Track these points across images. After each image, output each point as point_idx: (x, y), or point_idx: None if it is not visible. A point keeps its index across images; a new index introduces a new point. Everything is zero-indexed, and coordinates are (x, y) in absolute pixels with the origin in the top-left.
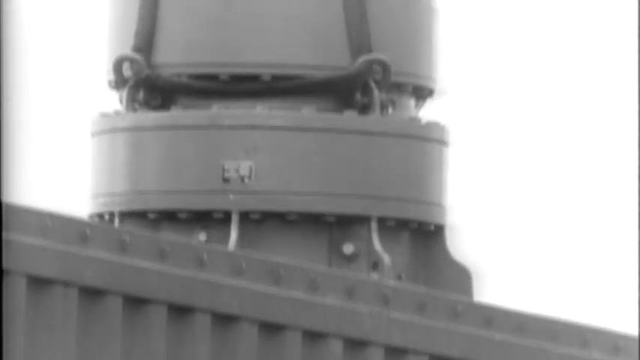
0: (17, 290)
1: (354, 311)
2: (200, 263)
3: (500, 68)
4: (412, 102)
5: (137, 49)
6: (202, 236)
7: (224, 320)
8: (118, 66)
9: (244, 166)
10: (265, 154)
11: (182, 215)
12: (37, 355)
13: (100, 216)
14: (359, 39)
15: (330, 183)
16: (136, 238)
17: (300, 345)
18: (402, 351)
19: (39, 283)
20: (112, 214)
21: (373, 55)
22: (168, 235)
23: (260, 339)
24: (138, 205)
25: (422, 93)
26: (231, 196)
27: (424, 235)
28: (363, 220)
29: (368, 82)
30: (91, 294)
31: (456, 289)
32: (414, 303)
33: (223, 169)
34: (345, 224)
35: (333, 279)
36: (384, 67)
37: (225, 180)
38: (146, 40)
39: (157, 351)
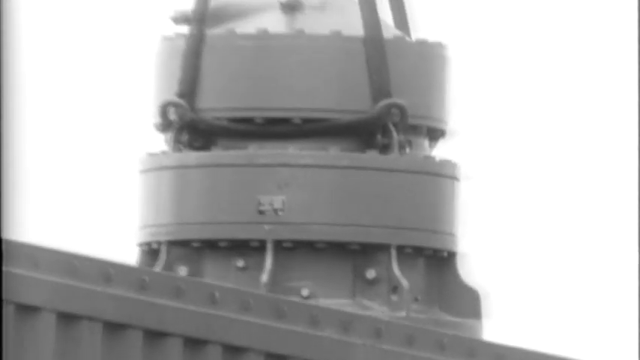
0: (48, 325)
1: (349, 343)
2: (212, 300)
3: (504, 111)
4: (426, 142)
5: (181, 95)
6: (240, 263)
7: (233, 352)
8: (163, 110)
9: (277, 200)
10: (296, 189)
11: (222, 244)
12: None
13: (148, 244)
14: (379, 85)
15: (354, 215)
16: (154, 276)
17: None
18: None
19: (67, 319)
20: (159, 243)
21: (392, 100)
22: (183, 275)
23: None
24: (182, 235)
25: (435, 134)
26: (266, 227)
27: (438, 261)
28: (383, 247)
29: (387, 125)
30: (114, 328)
31: (466, 310)
32: (404, 336)
33: (259, 203)
34: (367, 252)
35: (331, 314)
36: (402, 110)
37: (261, 212)
38: (189, 87)
39: None
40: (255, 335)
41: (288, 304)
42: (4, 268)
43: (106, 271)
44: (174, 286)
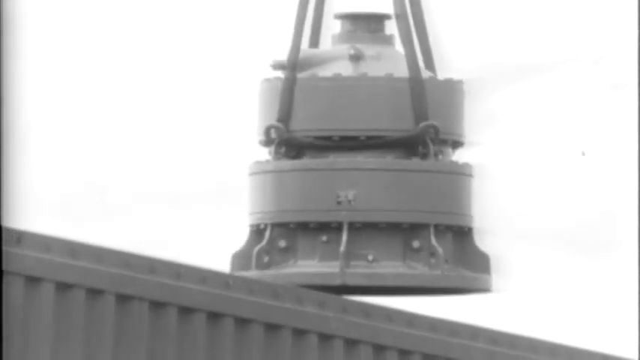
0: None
1: (324, 316)
2: (227, 285)
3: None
4: (451, 151)
5: (279, 120)
6: (324, 238)
7: (242, 323)
8: (267, 131)
9: (350, 194)
10: (363, 186)
11: (311, 225)
12: None
13: (257, 226)
14: (419, 112)
15: (403, 203)
16: (187, 269)
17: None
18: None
19: (187, 313)
20: (265, 225)
21: (429, 122)
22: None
23: (266, 338)
24: (282, 219)
25: (457, 145)
26: (342, 213)
27: (461, 234)
28: (424, 226)
29: (426, 140)
30: (156, 307)
31: (480, 268)
32: (362, 312)
33: (337, 196)
34: (413, 229)
35: (310, 294)
36: (436, 129)
37: (338, 202)
38: (285, 114)
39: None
40: (257, 311)
41: (280, 287)
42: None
43: (151, 265)
44: (200, 275)
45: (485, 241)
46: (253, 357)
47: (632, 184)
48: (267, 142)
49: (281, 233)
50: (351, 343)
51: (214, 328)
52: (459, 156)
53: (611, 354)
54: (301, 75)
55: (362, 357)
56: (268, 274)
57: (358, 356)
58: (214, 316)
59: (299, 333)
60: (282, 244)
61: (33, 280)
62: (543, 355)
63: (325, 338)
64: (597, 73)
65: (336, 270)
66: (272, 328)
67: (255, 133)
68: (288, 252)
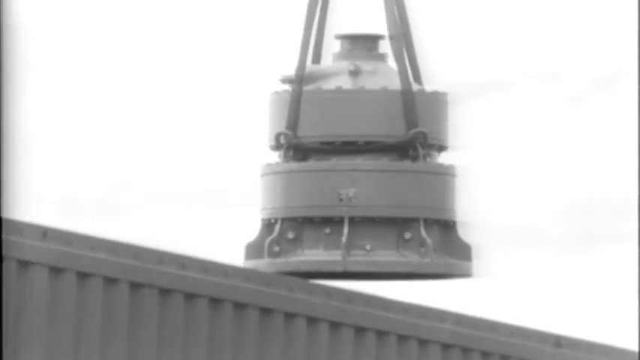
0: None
1: (311, 302)
2: (226, 274)
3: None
4: (437, 154)
5: (288, 127)
6: (327, 230)
7: (240, 307)
8: (277, 137)
9: (350, 192)
10: (362, 185)
11: (316, 219)
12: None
13: (268, 220)
14: (410, 120)
15: (397, 200)
16: (191, 261)
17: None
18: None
19: (191, 298)
20: (275, 219)
21: (419, 129)
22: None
23: (260, 321)
24: (290, 214)
25: (442, 149)
26: (344, 209)
27: (447, 227)
28: (415, 220)
29: (416, 144)
30: (166, 293)
31: (463, 256)
32: (344, 297)
33: (339, 194)
34: (405, 222)
35: (299, 283)
36: (425, 136)
37: (340, 200)
38: (293, 122)
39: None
40: (253, 296)
41: (273, 276)
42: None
43: (160, 256)
44: (203, 266)
45: (467, 232)
46: (249, 337)
47: (591, 185)
48: (277, 146)
49: (290, 226)
50: (334, 326)
51: (215, 312)
52: (444, 158)
53: (566, 334)
54: (307, 88)
55: (344, 338)
56: (279, 262)
57: (341, 337)
58: (215, 302)
59: (289, 316)
60: (291, 235)
61: (56, 271)
62: (502, 335)
63: (312, 321)
64: (555, 88)
65: (339, 258)
66: (265, 312)
67: (266, 139)
68: (296, 242)
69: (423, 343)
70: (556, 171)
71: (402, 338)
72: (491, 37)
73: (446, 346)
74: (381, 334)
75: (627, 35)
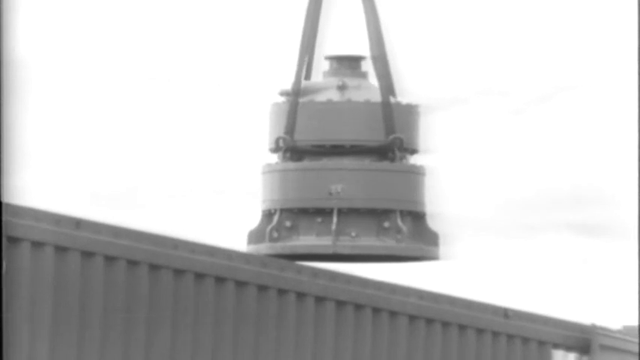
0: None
1: (300, 280)
2: (230, 258)
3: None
4: (409, 156)
5: (286, 132)
6: (319, 219)
7: (240, 285)
8: (276, 141)
9: (339, 187)
10: (348, 181)
11: (310, 210)
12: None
13: (268, 211)
14: (389, 127)
15: (377, 194)
16: (189, 244)
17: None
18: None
19: (200, 278)
20: (274, 210)
21: (396, 135)
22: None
23: (257, 296)
24: (287, 205)
25: (414, 152)
26: (333, 201)
27: (418, 217)
28: (392, 211)
29: (393, 148)
30: (181, 274)
31: (431, 242)
32: (328, 275)
33: (329, 189)
34: (384, 213)
35: (289, 265)
36: (401, 141)
37: (330, 194)
38: (290, 128)
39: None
40: (252, 276)
41: (268, 259)
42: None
43: (174, 243)
44: (210, 250)
45: (435, 222)
46: (249, 310)
47: (534, 183)
48: (276, 149)
49: (287, 216)
50: (319, 300)
51: (220, 289)
52: (416, 160)
53: (513, 307)
54: (302, 100)
55: (327, 310)
56: (278, 246)
57: (324, 310)
58: (220, 280)
59: (281, 292)
60: (288, 224)
61: (88, 255)
62: (459, 308)
63: (300, 296)
64: (503, 103)
65: (329, 242)
66: (262, 288)
67: (266, 143)
68: (293, 230)
69: (393, 314)
70: (505, 171)
71: (376, 310)
72: (452, 56)
73: (412, 317)
74: (358, 307)
75: (565, 54)
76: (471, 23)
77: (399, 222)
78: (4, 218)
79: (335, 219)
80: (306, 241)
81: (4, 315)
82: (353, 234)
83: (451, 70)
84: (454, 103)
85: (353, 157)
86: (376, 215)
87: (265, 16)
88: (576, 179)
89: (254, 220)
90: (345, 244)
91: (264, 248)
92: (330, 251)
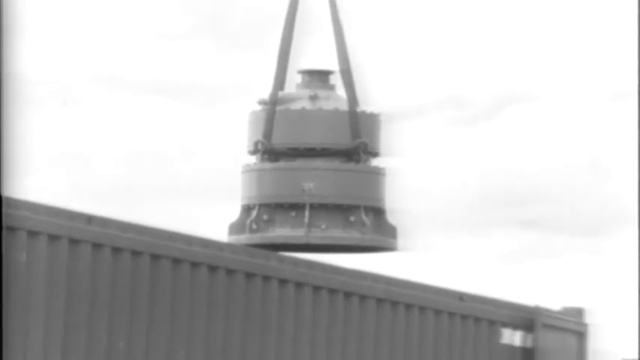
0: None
1: (281, 268)
2: (221, 249)
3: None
4: (372, 158)
5: (264, 137)
6: (293, 214)
7: (230, 272)
8: (255, 144)
9: (311, 185)
10: (319, 180)
11: (285, 205)
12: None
13: (247, 205)
14: (355, 132)
15: (344, 191)
16: (227, 245)
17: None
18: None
19: (195, 266)
20: (253, 205)
21: (361, 140)
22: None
23: (245, 283)
24: (265, 200)
25: (376, 155)
26: (305, 197)
27: (379, 212)
28: (357, 206)
29: (359, 151)
30: (178, 262)
31: (391, 235)
32: (304, 262)
33: (302, 186)
34: (350, 208)
35: (273, 255)
36: (365, 145)
37: (303, 191)
38: (268, 133)
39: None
40: (240, 265)
41: (255, 251)
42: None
43: (171, 236)
44: (203, 242)
45: (394, 217)
46: (237, 295)
47: (484, 184)
48: (255, 151)
49: (264, 210)
50: (298, 286)
51: (212, 276)
52: (378, 162)
53: (467, 292)
54: (279, 108)
55: (305, 295)
56: (256, 237)
57: (302, 294)
58: (212, 269)
59: (266, 279)
60: (266, 217)
61: (97, 246)
62: (420, 292)
63: (283, 282)
64: (457, 114)
65: (302, 234)
66: (249, 275)
67: (245, 146)
68: (269, 222)
69: (362, 298)
70: (459, 173)
71: (347, 295)
72: (414, 69)
73: (379, 300)
74: (332, 291)
75: (514, 69)
76: (431, 40)
77: (363, 216)
78: (24, 214)
79: (307, 213)
80: (281, 232)
81: (3, 302)
82: (323, 226)
83: (412, 82)
84: (414, 112)
85: (323, 159)
86: (343, 210)
87: (242, 37)
88: (522, 181)
89: (234, 214)
90: (316, 235)
91: (244, 239)
92: (303, 241)
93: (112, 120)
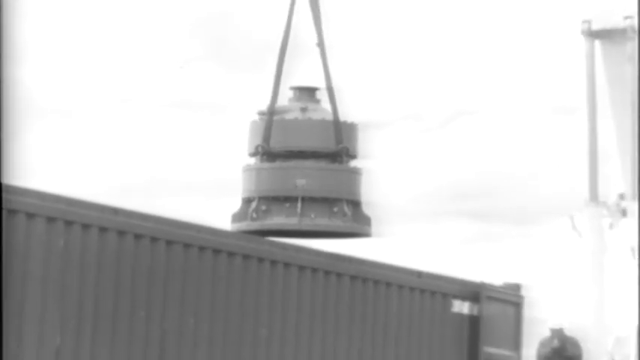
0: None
1: (274, 251)
2: (217, 234)
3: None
4: (351, 160)
5: (264, 141)
6: (287, 205)
7: (230, 255)
8: (256, 147)
9: (302, 182)
10: (309, 177)
11: (280, 198)
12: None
13: (248, 198)
14: (338, 138)
15: (329, 187)
16: (227, 233)
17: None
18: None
19: (202, 250)
20: (253, 197)
21: (343, 144)
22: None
23: (242, 263)
24: (263, 194)
25: (354, 157)
26: (298, 192)
27: (357, 205)
28: (340, 199)
29: (341, 154)
30: (170, 243)
31: (365, 223)
32: (291, 245)
33: (295, 182)
34: (334, 201)
35: (264, 241)
36: (347, 148)
37: (296, 186)
38: (267, 138)
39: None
40: (239, 248)
41: (251, 237)
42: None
43: (180, 224)
44: (210, 230)
45: (368, 208)
46: (235, 273)
47: (444, 182)
48: (255, 153)
49: (263, 202)
50: (286, 266)
51: (216, 258)
52: (356, 163)
53: (425, 270)
54: (275, 118)
55: (292, 273)
56: (256, 224)
57: (290, 273)
58: (216, 251)
59: (259, 260)
60: (264, 208)
61: (103, 230)
62: (384, 270)
63: (273, 263)
64: (416, 124)
65: (295, 222)
66: (246, 257)
67: (247, 149)
68: (267, 212)
69: (339, 275)
70: (419, 173)
71: (327, 273)
72: (380, 88)
73: (353, 278)
74: (314, 270)
75: (464, 86)
76: (397, 64)
77: (345, 208)
78: (61, 207)
79: (299, 205)
80: (277, 220)
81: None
82: (312, 216)
83: (382, 98)
84: (382, 123)
85: (313, 160)
86: (328, 202)
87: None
88: (469, 179)
89: (235, 206)
90: (307, 223)
91: (244, 226)
92: (295, 228)
93: (132, 129)
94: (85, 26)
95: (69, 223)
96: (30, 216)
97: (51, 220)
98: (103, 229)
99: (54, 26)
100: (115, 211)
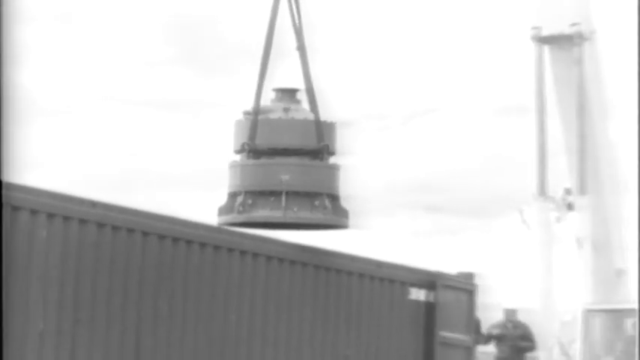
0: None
1: (264, 244)
2: (212, 230)
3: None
4: (331, 157)
5: (249, 139)
6: (272, 199)
7: (219, 248)
8: (242, 145)
9: (286, 177)
10: (292, 173)
11: (266, 192)
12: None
13: (234, 192)
14: (320, 136)
15: (311, 182)
16: (217, 228)
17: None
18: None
19: (190, 244)
20: (239, 192)
21: (324, 142)
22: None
23: (227, 256)
24: (249, 188)
25: (334, 153)
26: (282, 186)
27: (335, 199)
28: (321, 194)
29: (322, 151)
30: (162, 238)
31: (345, 216)
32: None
33: (280, 178)
34: (315, 195)
35: (251, 236)
36: (327, 146)
37: (280, 181)
38: (252, 136)
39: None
40: (225, 241)
41: (235, 232)
42: None
43: (173, 219)
44: (196, 225)
45: (347, 202)
46: (222, 264)
47: (405, 177)
48: (241, 151)
49: (249, 196)
50: (269, 258)
51: (203, 250)
52: (335, 159)
53: (385, 260)
54: (260, 117)
55: (275, 265)
56: (243, 216)
57: (273, 265)
58: (189, 242)
59: (229, 250)
60: (250, 201)
61: (101, 225)
62: (349, 260)
63: (255, 255)
64: (380, 123)
65: (280, 214)
66: (230, 250)
67: (232, 147)
68: (253, 205)
69: (304, 265)
70: (384, 169)
71: (304, 265)
72: (351, 89)
73: (316, 267)
74: (292, 263)
75: (426, 86)
76: (365, 67)
77: (325, 201)
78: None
79: (284, 198)
80: (263, 213)
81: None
82: (295, 209)
83: (346, 97)
84: (350, 122)
85: (296, 157)
86: (310, 196)
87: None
88: (428, 174)
89: (220, 200)
90: (291, 216)
91: (231, 218)
92: (280, 220)
93: (114, 127)
94: (67, 27)
95: (51, 216)
96: (15, 209)
97: (34, 212)
98: (82, 221)
99: (35, 27)
100: (94, 204)
